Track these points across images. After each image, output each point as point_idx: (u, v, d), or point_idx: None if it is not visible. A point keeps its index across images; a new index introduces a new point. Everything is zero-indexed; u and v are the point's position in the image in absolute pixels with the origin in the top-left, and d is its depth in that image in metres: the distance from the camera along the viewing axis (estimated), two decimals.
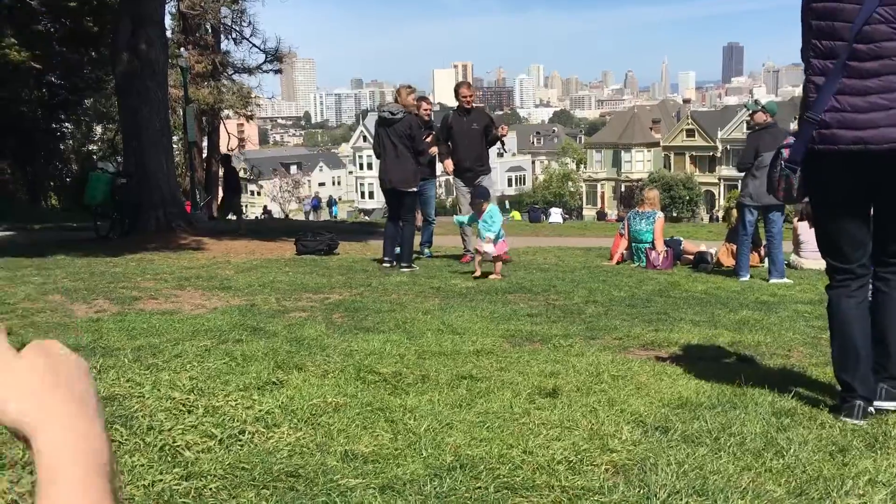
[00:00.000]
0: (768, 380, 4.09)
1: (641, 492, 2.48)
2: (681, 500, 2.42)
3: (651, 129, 73.30)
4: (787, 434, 3.10)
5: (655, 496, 2.44)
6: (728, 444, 2.97)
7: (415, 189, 9.33)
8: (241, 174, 41.33)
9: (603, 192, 72.85)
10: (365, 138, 76.14)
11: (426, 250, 11.13)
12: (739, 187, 9.99)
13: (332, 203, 51.19)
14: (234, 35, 27.49)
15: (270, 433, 3.00)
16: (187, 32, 26.26)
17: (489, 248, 8.46)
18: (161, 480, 2.48)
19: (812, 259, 10.40)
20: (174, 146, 18.14)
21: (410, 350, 4.59)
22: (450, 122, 10.09)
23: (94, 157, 28.34)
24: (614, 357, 4.60)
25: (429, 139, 10.05)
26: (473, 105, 10.22)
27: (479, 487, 2.53)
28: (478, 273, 8.39)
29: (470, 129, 9.92)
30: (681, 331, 5.50)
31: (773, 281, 8.72)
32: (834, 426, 3.24)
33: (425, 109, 10.69)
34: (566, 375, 4.07)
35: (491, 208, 8.67)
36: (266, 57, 27.62)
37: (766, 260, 9.47)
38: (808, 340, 5.25)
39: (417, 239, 11.41)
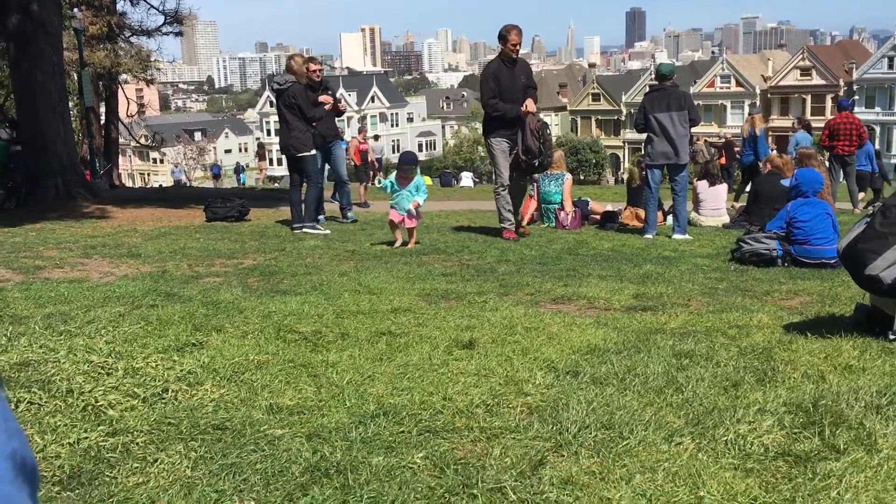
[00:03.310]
0: (670, 326, 4.36)
1: (554, 428, 2.65)
2: (590, 433, 2.60)
3: (558, 93, 74.40)
4: (686, 373, 3.33)
5: (567, 430, 2.61)
6: (633, 383, 3.18)
7: (307, 153, 9.37)
8: (143, 141, 39.87)
9: None
10: (272, 104, 74.44)
11: (349, 214, 11.04)
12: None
13: (239, 170, 49.79)
14: None
15: (194, 391, 3.04)
16: None
17: (413, 219, 8.28)
18: (87, 438, 2.50)
19: (711, 217, 10.91)
20: (70, 112, 17.37)
21: (329, 310, 4.65)
22: (495, 73, 8.88)
23: None
24: (527, 311, 4.78)
25: (323, 98, 9.86)
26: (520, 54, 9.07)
27: (403, 431, 2.65)
28: (399, 243, 8.20)
29: (517, 81, 8.83)
30: (589, 285, 5.74)
31: (675, 237, 9.12)
32: (728, 364, 3.49)
33: (313, 71, 10.11)
34: (481, 329, 4.22)
35: (417, 177, 8.50)
36: (165, 18, 26.50)
37: (670, 217, 9.89)
38: (705, 291, 5.57)
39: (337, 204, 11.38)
